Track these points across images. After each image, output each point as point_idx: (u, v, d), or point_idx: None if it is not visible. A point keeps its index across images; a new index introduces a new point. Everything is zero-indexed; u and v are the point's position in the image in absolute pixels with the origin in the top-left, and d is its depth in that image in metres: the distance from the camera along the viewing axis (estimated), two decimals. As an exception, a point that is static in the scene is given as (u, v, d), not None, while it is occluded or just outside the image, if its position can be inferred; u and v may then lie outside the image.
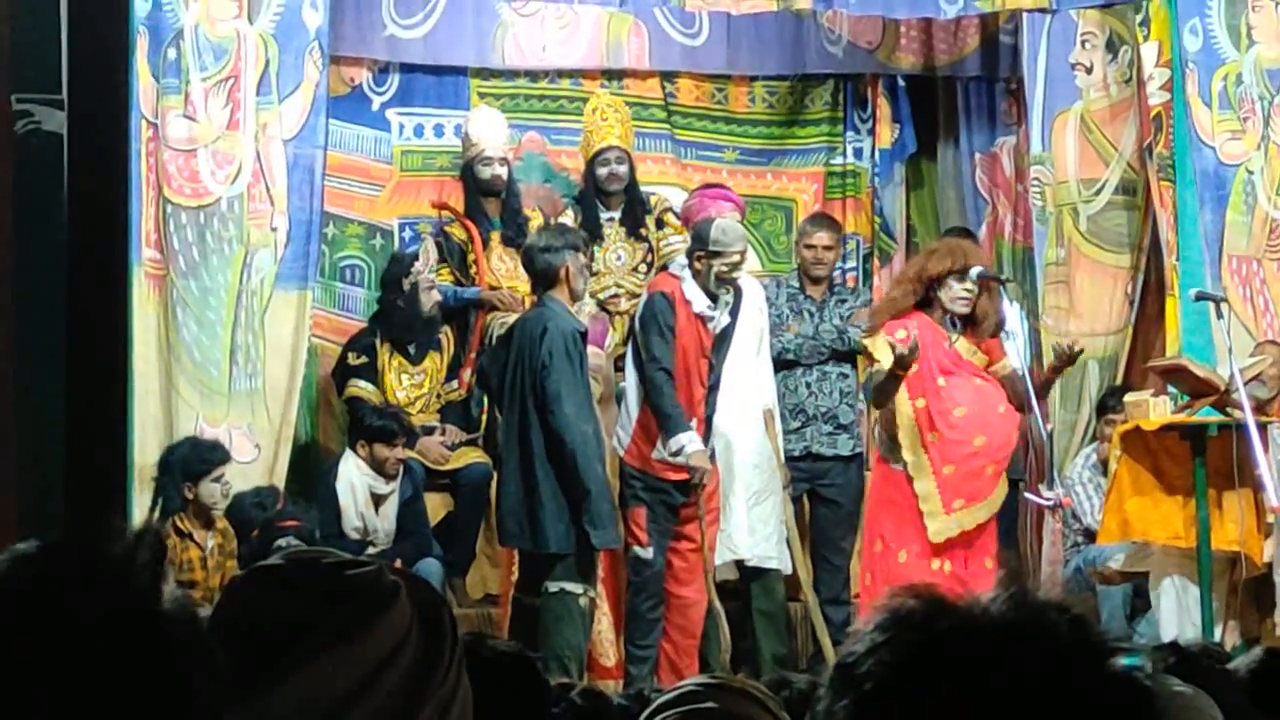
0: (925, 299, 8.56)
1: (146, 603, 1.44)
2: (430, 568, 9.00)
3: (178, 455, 8.48)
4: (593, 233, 9.78)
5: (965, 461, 8.43)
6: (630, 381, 8.79)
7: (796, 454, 9.47)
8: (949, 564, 8.45)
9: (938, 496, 8.43)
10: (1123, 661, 1.46)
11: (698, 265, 8.68)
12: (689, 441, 8.51)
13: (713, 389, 8.78)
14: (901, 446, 8.51)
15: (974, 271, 8.81)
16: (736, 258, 8.72)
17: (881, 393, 8.60)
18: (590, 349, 8.94)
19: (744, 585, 9.13)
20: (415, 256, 9.80)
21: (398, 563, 8.44)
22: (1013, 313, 9.57)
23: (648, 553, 8.62)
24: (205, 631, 1.48)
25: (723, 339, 8.77)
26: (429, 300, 9.62)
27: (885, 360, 8.43)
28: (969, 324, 8.57)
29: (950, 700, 1.41)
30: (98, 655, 1.40)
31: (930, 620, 1.45)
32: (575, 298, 8.66)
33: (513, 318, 9.53)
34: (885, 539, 8.56)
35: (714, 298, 8.69)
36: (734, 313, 8.82)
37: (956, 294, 8.49)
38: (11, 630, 1.40)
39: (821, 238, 9.81)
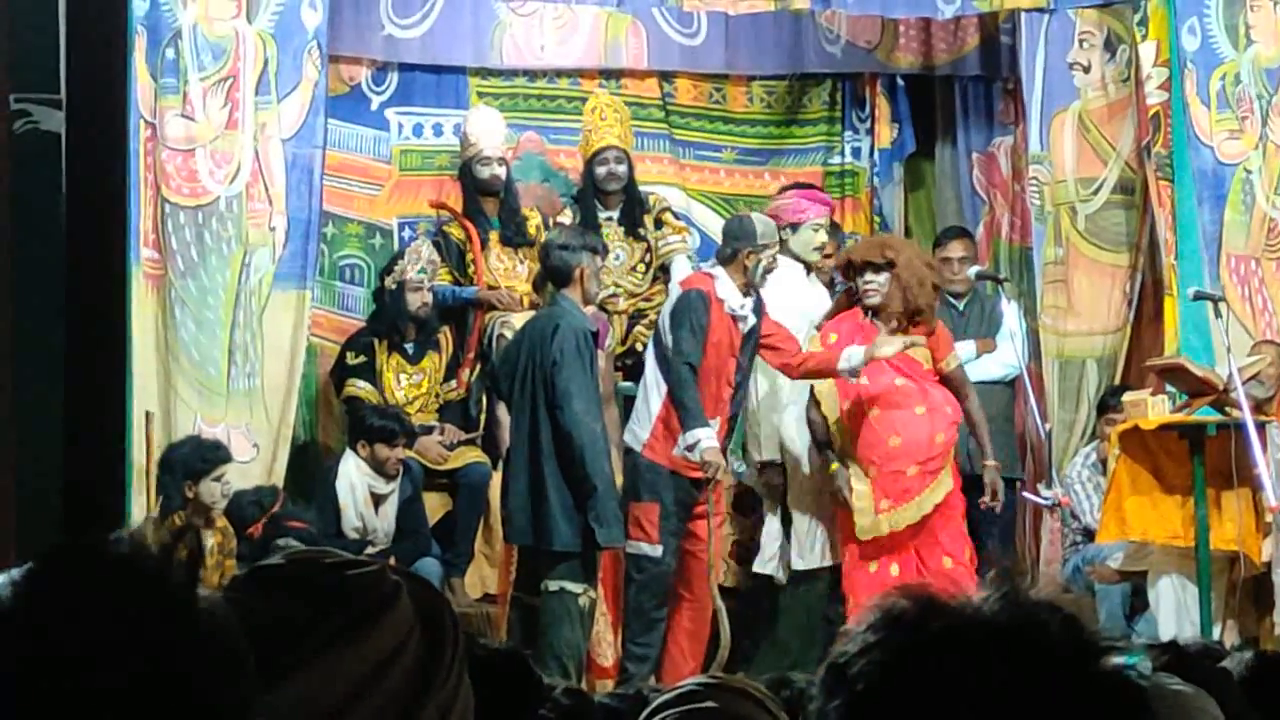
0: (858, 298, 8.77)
1: (184, 596, 1.46)
2: (429, 567, 9.00)
3: (179, 454, 8.48)
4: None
5: (885, 462, 8.51)
6: (651, 377, 8.78)
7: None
8: (896, 567, 8.48)
9: (870, 496, 8.52)
10: (1122, 660, 1.46)
11: (746, 262, 8.72)
12: (705, 436, 8.50)
13: (738, 388, 8.79)
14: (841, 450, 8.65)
15: (971, 271, 8.85)
16: (777, 248, 8.83)
17: (811, 430, 8.93)
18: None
19: (794, 585, 9.09)
20: (401, 256, 9.81)
21: (396, 562, 8.45)
22: (1011, 312, 9.59)
23: (656, 550, 8.60)
24: (238, 625, 1.49)
25: (748, 339, 8.78)
26: (415, 300, 9.60)
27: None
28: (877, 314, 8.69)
29: (942, 700, 1.41)
30: (137, 646, 1.41)
31: (922, 620, 1.45)
32: (588, 300, 8.67)
33: (513, 317, 9.54)
34: (850, 545, 8.65)
35: (748, 294, 8.72)
36: (757, 313, 8.85)
37: (860, 286, 8.73)
38: (55, 622, 1.41)
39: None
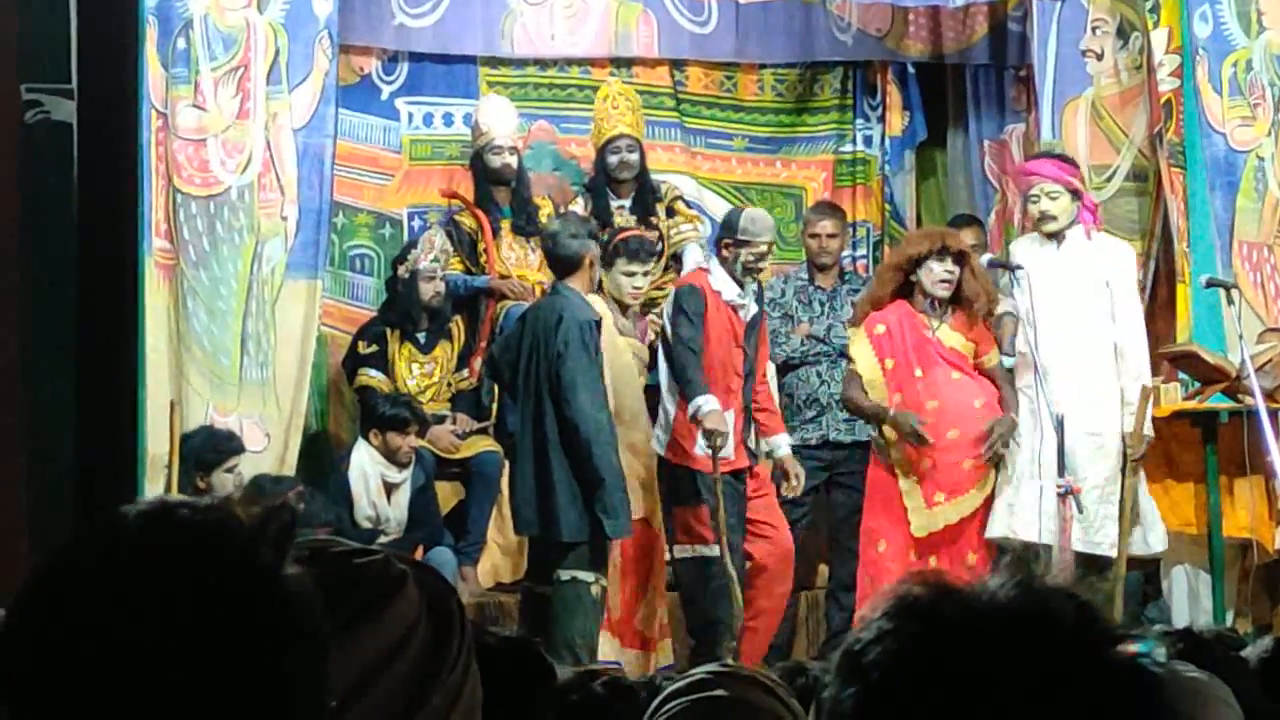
0: (908, 286, 8.56)
1: (271, 572, 1.48)
2: (442, 556, 9.01)
3: (192, 444, 8.48)
4: (603, 221, 9.78)
5: (941, 454, 8.40)
6: (664, 382, 8.80)
7: (814, 443, 9.47)
8: (933, 559, 8.39)
9: (919, 491, 8.42)
10: (1135, 648, 1.46)
11: (725, 253, 8.74)
12: (705, 402, 8.51)
13: (747, 378, 8.78)
14: (887, 441, 8.53)
15: (985, 259, 8.80)
16: (764, 248, 8.75)
17: (852, 409, 8.81)
18: (636, 344, 9.19)
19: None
20: (414, 245, 9.81)
21: (418, 552, 8.45)
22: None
23: (714, 550, 8.55)
24: (321, 603, 1.50)
25: (751, 328, 8.78)
26: (429, 290, 9.61)
27: (861, 361, 8.58)
28: (957, 306, 8.55)
29: (956, 688, 1.41)
30: (220, 620, 1.43)
31: (936, 608, 1.45)
32: (590, 288, 8.68)
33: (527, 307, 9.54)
34: (871, 530, 8.57)
35: (741, 285, 8.71)
36: (759, 301, 8.84)
37: (937, 276, 8.48)
38: (134, 592, 1.43)
39: (825, 226, 9.84)
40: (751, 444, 8.88)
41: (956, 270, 8.47)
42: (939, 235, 8.74)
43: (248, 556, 1.47)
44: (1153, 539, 8.51)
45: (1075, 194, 8.63)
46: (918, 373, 8.48)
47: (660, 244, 10.23)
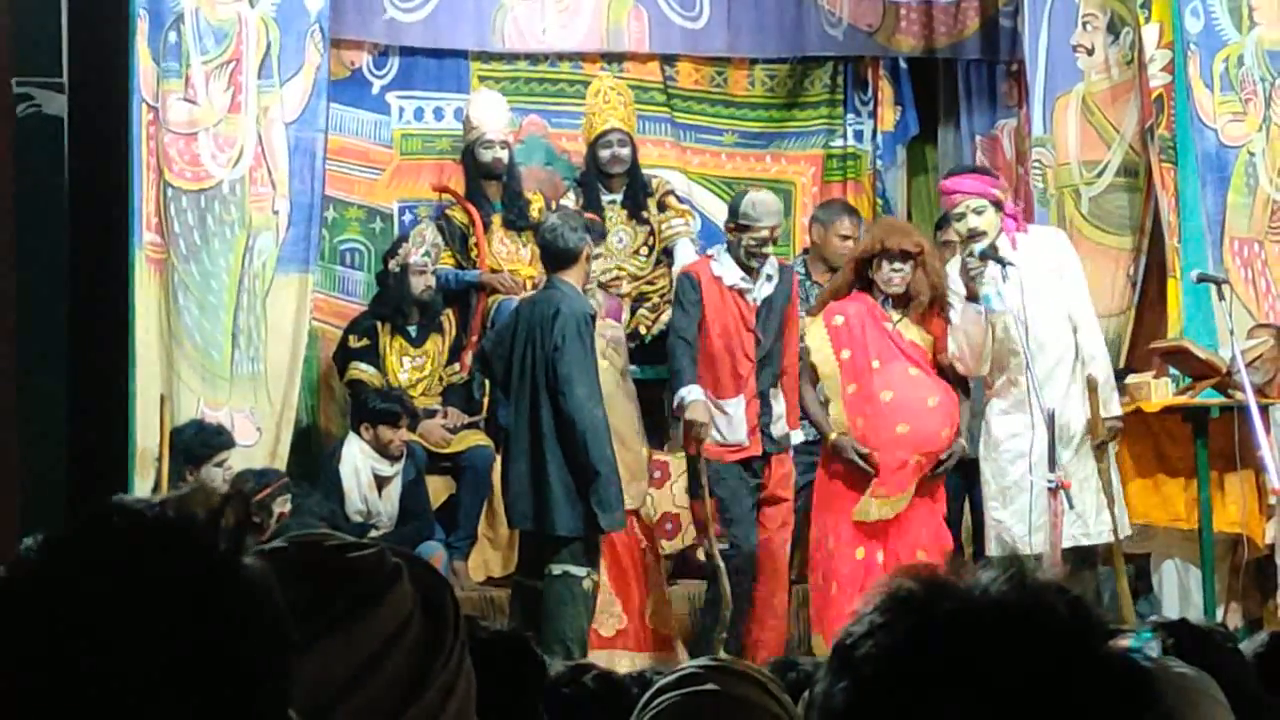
0: (868, 281, 8.58)
1: (229, 564, 1.48)
2: (432, 551, 9.00)
3: (182, 438, 8.47)
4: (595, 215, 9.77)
5: (889, 447, 8.39)
6: None
7: (813, 439, 9.46)
8: (881, 554, 8.40)
9: (862, 479, 8.44)
10: (1128, 642, 1.46)
11: (730, 238, 8.73)
12: (689, 393, 8.53)
13: (762, 363, 8.76)
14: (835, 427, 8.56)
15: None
16: (765, 233, 8.70)
17: (801, 409, 8.83)
18: (609, 321, 9.13)
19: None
20: (405, 239, 9.80)
21: (399, 545, 8.44)
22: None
23: (724, 545, 8.61)
24: (280, 594, 1.51)
25: (766, 312, 8.74)
26: (419, 283, 9.61)
27: (816, 352, 8.60)
28: (907, 302, 8.56)
29: (949, 682, 1.41)
30: (179, 614, 1.43)
31: (929, 602, 1.45)
32: (585, 281, 8.68)
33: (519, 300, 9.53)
34: (817, 524, 8.59)
35: (750, 270, 8.69)
36: (785, 282, 8.81)
37: (885, 275, 8.50)
38: (93, 587, 1.43)
39: (853, 228, 9.87)
40: (775, 432, 8.85)
41: (905, 268, 8.48)
42: (880, 237, 8.70)
43: (204, 546, 1.47)
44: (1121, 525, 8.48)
45: (997, 205, 8.57)
46: (875, 364, 8.51)
47: (652, 239, 10.25)
